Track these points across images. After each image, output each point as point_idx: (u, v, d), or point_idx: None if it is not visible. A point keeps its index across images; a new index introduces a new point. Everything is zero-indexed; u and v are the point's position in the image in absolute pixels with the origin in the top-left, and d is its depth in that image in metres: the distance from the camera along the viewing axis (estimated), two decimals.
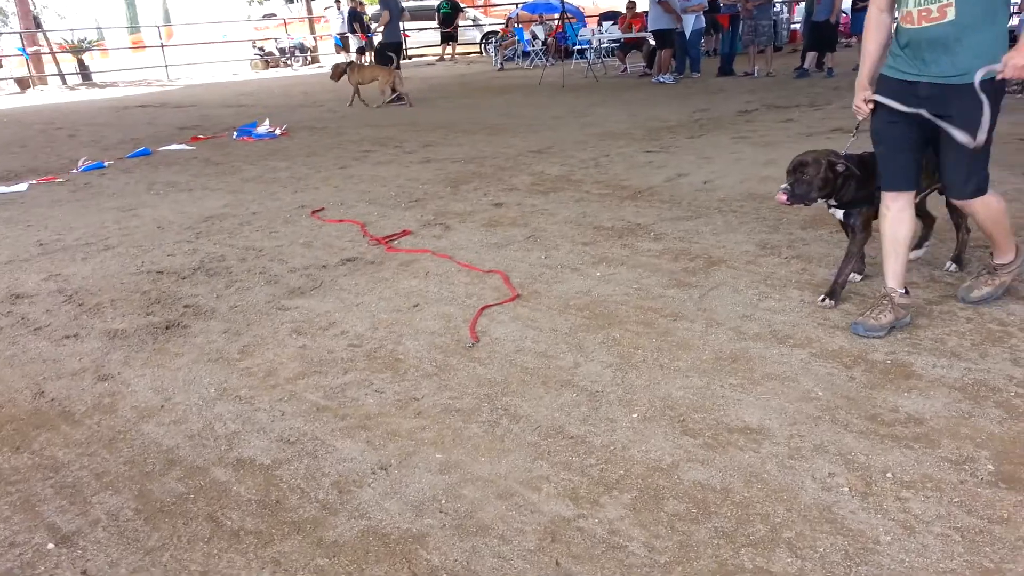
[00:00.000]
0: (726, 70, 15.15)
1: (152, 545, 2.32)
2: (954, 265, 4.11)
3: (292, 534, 2.33)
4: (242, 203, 6.50)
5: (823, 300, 3.74)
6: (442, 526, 2.33)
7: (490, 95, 14.34)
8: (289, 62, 25.51)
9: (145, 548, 2.31)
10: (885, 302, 3.43)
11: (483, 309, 3.90)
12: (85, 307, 4.23)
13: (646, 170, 6.94)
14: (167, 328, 3.88)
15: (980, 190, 3.26)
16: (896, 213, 3.40)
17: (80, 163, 8.51)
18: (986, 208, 3.33)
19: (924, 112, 3.14)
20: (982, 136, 3.03)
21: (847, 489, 2.42)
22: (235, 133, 10.17)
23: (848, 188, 3.57)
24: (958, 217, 3.99)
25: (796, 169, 3.54)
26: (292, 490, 2.54)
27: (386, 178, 7.20)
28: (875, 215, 3.63)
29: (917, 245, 4.16)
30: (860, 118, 3.42)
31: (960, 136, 3.04)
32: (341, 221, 5.73)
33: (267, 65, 25.62)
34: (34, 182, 7.82)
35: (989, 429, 2.70)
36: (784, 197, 3.55)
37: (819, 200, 3.60)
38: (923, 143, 3.31)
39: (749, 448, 2.65)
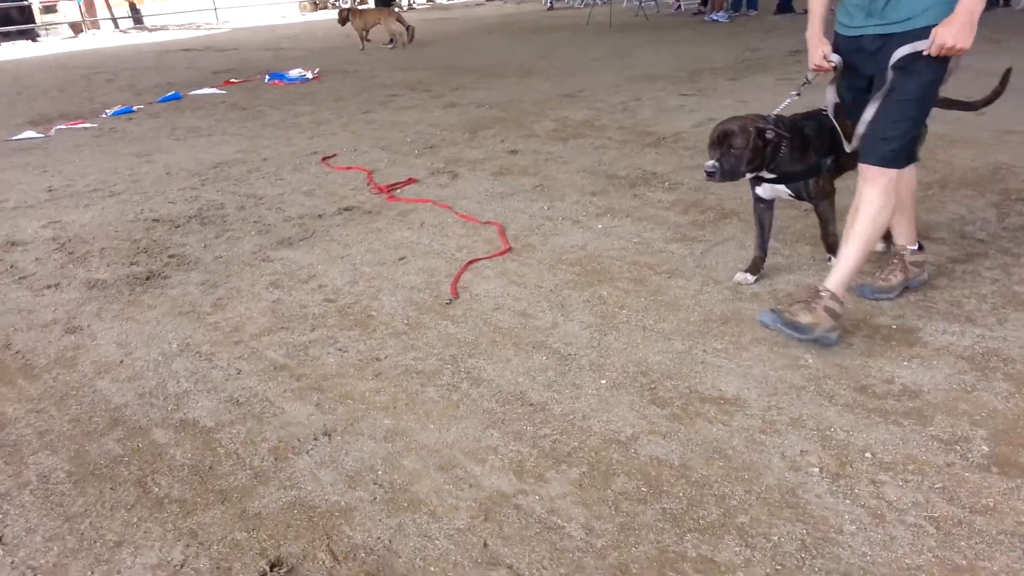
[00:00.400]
0: (785, 7, 14.40)
1: (74, 511, 2.23)
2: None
3: (217, 503, 2.22)
4: (256, 149, 6.39)
5: (830, 260, 3.44)
6: (373, 499, 2.19)
7: (533, 36, 13.93)
8: (337, 3, 25.24)
9: (67, 514, 2.22)
10: (895, 261, 3.14)
11: (469, 263, 3.71)
12: (74, 256, 4.17)
13: (676, 115, 6.60)
14: (147, 279, 3.79)
15: (896, 159, 2.69)
16: (886, 196, 2.82)
17: (111, 108, 8.50)
18: (884, 198, 2.71)
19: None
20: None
21: (817, 470, 2.20)
22: (267, 77, 10.04)
23: (783, 158, 3.03)
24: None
25: (722, 140, 2.98)
26: (228, 455, 2.42)
27: (406, 123, 7.00)
28: (831, 179, 3.18)
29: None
30: (810, 77, 2.93)
31: (921, 45, 2.54)
32: (349, 168, 5.56)
33: (316, 7, 25.41)
34: (62, 127, 7.82)
35: (992, 405, 2.43)
36: (712, 175, 2.98)
37: (748, 175, 3.07)
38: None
39: (719, 421, 2.44)
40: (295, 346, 3.05)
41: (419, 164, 5.59)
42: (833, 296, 2.75)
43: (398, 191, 4.94)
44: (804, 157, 3.06)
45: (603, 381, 2.70)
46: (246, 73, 10.78)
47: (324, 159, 5.86)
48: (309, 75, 9.91)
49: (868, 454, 2.25)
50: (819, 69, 2.84)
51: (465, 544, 2.01)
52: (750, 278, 3.33)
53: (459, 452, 2.37)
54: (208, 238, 4.30)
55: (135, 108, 8.58)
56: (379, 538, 2.04)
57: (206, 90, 9.44)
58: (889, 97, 2.65)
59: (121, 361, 3.03)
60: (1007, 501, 2.03)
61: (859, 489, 2.11)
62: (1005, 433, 2.30)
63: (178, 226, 4.53)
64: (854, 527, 1.98)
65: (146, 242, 4.29)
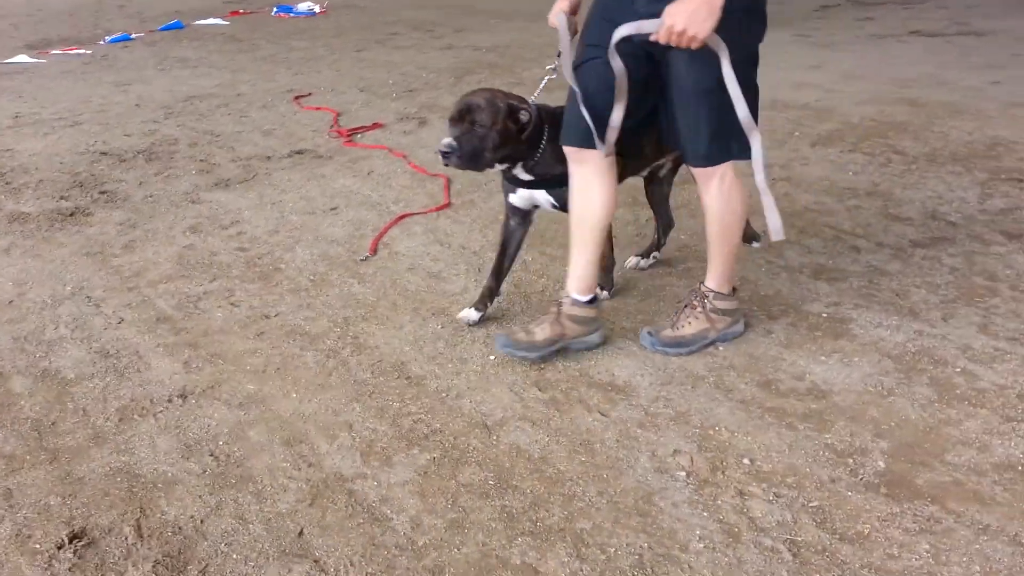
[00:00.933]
0: None
1: None
2: (642, 260, 3.02)
3: (44, 463, 2.09)
4: (235, 83, 6.20)
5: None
6: (202, 472, 2.04)
7: None
8: None
9: None
10: (552, 311, 2.46)
11: (400, 218, 3.51)
12: (11, 187, 4.05)
13: None
14: (71, 215, 3.65)
15: (710, 156, 2.25)
16: (584, 180, 2.35)
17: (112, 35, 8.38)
18: (719, 199, 2.32)
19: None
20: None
21: (684, 474, 2.00)
22: (275, 9, 9.79)
23: (544, 155, 2.46)
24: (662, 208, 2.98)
25: (463, 115, 2.39)
26: (75, 412, 2.29)
27: (396, 64, 6.75)
28: None
29: (646, 252, 3.06)
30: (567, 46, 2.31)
31: (648, 26, 2.00)
32: (318, 109, 5.35)
33: None
34: (57, 52, 7.69)
35: (904, 413, 2.20)
36: (447, 156, 2.37)
37: (497, 166, 2.47)
38: (647, 90, 2.26)
39: (598, 410, 2.24)
40: (188, 297, 2.90)
41: (392, 108, 5.36)
42: (718, 295, 2.49)
43: (358, 136, 4.73)
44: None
45: (492, 357, 2.51)
46: (256, 3, 10.51)
47: (296, 98, 5.65)
48: (317, 8, 9.65)
49: (746, 460, 2.04)
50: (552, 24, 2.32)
51: (279, 531, 1.85)
52: (474, 316, 2.66)
53: (312, 426, 2.21)
54: (147, 175, 4.15)
55: (133, 36, 8.41)
56: (192, 516, 1.90)
57: (210, 20, 9.23)
58: (681, 88, 2.14)
59: (11, 301, 2.91)
60: (884, 529, 1.82)
61: (723, 500, 1.91)
62: (909, 448, 2.07)
63: (123, 160, 4.38)
64: (702, 545, 1.78)
65: (85, 176, 4.15)
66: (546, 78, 2.49)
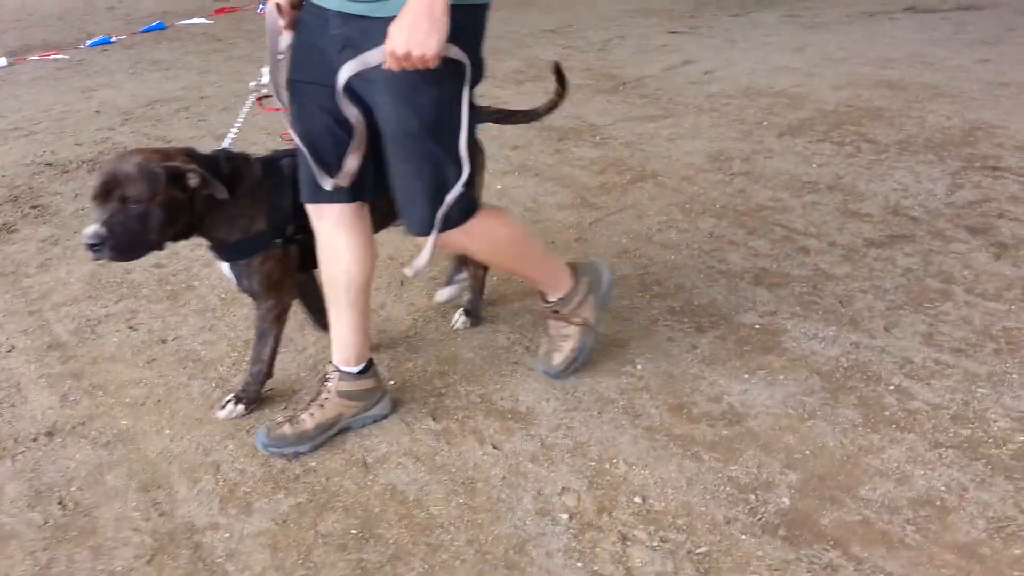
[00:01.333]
0: None
1: None
2: (463, 318, 2.56)
3: None
4: (202, 85, 6.06)
5: (223, 407, 2.19)
6: (43, 524, 1.89)
7: None
8: None
9: None
10: (319, 390, 2.11)
11: None
12: None
13: (652, 56, 6.02)
14: None
15: (442, 218, 1.78)
16: (327, 237, 1.98)
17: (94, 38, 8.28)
18: (489, 242, 1.99)
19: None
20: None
21: (567, 516, 1.81)
22: (260, 6, 9.64)
23: (216, 217, 1.96)
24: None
25: (109, 191, 1.82)
26: None
27: None
28: (286, 264, 2.08)
29: (448, 280, 2.72)
30: (281, 47, 1.88)
31: (373, 57, 1.62)
32: (278, 110, 5.16)
33: None
34: (35, 58, 7.60)
35: (823, 440, 2.00)
36: (96, 249, 1.81)
37: (166, 245, 1.95)
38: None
39: (491, 442, 2.06)
40: (88, 320, 2.75)
41: None
42: (560, 300, 2.21)
43: None
44: (249, 218, 1.99)
45: (392, 382, 2.33)
46: (244, 0, 10.38)
47: (259, 98, 5.47)
48: None
49: (638, 498, 1.85)
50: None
51: None
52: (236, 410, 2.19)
53: (177, 467, 2.05)
54: (85, 187, 4.00)
55: (114, 39, 8.29)
56: None
57: (194, 20, 9.10)
58: (388, 134, 1.74)
59: None
60: None
61: (602, 548, 1.72)
62: (820, 480, 1.87)
63: (66, 172, 4.25)
64: None
65: (23, 189, 4.02)
66: (249, 99, 2.09)
